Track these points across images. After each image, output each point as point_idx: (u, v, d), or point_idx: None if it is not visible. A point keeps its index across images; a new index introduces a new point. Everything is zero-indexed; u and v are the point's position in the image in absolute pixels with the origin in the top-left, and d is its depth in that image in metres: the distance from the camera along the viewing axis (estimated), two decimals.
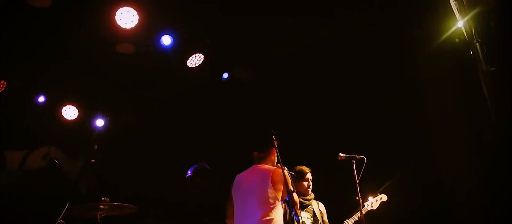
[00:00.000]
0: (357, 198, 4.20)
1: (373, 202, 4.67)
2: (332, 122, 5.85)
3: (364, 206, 4.56)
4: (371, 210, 4.64)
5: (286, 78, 5.98)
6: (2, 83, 5.57)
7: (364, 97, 5.77)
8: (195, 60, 5.60)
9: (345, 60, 5.64)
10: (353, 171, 4.25)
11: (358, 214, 4.42)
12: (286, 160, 3.64)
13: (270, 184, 3.64)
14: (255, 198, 3.68)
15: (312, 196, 4.79)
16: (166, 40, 5.29)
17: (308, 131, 5.99)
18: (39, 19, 5.00)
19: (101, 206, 4.02)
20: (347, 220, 4.49)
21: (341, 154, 4.39)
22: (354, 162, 4.30)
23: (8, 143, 5.79)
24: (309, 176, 4.75)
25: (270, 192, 3.62)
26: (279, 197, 3.64)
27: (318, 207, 4.77)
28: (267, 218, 3.56)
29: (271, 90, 6.02)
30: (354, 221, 4.48)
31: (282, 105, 6.01)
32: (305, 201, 4.70)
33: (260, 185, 3.70)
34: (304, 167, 4.81)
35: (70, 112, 5.87)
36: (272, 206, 3.59)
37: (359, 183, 4.21)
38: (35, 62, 5.49)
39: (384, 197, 4.72)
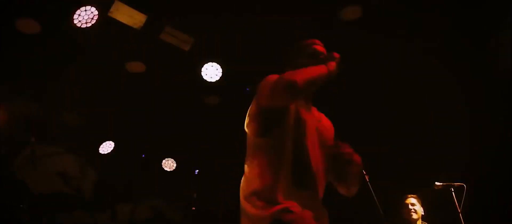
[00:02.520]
0: None
1: None
2: (422, 148, 5.51)
3: None
4: None
5: (366, 103, 5.79)
6: (110, 144, 6.31)
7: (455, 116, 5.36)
8: None
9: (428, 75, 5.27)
10: (454, 201, 3.99)
11: None
12: (380, 191, 3.50)
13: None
14: None
15: None
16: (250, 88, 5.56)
17: (396, 159, 5.69)
18: (135, 83, 5.57)
19: None
20: None
21: (437, 183, 4.17)
22: (453, 190, 4.03)
23: (119, 196, 6.41)
24: (408, 201, 4.55)
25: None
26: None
27: None
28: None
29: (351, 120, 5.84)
30: None
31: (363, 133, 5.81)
32: None
33: None
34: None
35: (169, 164, 6.34)
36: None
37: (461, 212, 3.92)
38: (135, 122, 6.08)
39: None
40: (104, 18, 4.57)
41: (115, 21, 4.64)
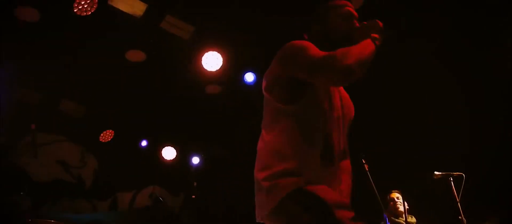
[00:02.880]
0: (459, 217, 3.82)
1: None
2: (421, 138, 5.44)
3: None
4: None
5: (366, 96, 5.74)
6: (110, 133, 6.31)
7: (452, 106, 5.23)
8: None
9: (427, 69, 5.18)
10: (452, 190, 3.95)
11: None
12: (378, 183, 3.54)
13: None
14: None
15: (412, 219, 4.59)
16: (249, 77, 5.57)
17: (395, 149, 5.71)
18: (135, 72, 5.56)
19: None
20: None
21: (436, 172, 4.10)
22: (451, 180, 3.97)
23: (119, 184, 6.46)
24: (393, 195, 4.61)
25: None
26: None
27: None
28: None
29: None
30: None
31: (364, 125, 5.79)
32: None
33: None
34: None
35: (169, 153, 6.37)
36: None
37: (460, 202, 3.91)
38: (135, 111, 6.09)
39: None
40: (104, 7, 4.52)
41: (116, 10, 4.60)
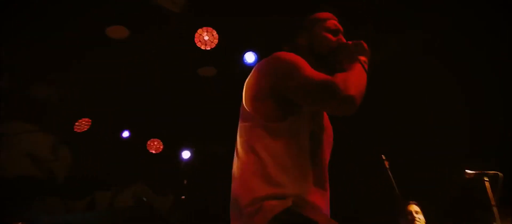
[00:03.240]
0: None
1: None
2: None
3: None
4: None
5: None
6: (87, 121, 5.95)
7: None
8: None
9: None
10: (487, 191, 3.51)
11: None
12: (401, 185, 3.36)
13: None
14: None
15: None
16: (250, 57, 5.20)
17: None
18: (117, 52, 5.16)
19: None
20: None
21: (468, 171, 3.69)
22: (487, 180, 3.55)
23: (97, 181, 6.10)
24: (411, 208, 4.27)
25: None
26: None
27: None
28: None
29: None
30: None
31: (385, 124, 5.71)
32: None
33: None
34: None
35: (155, 145, 6.09)
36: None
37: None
38: (116, 96, 5.70)
39: None
40: None
41: None
